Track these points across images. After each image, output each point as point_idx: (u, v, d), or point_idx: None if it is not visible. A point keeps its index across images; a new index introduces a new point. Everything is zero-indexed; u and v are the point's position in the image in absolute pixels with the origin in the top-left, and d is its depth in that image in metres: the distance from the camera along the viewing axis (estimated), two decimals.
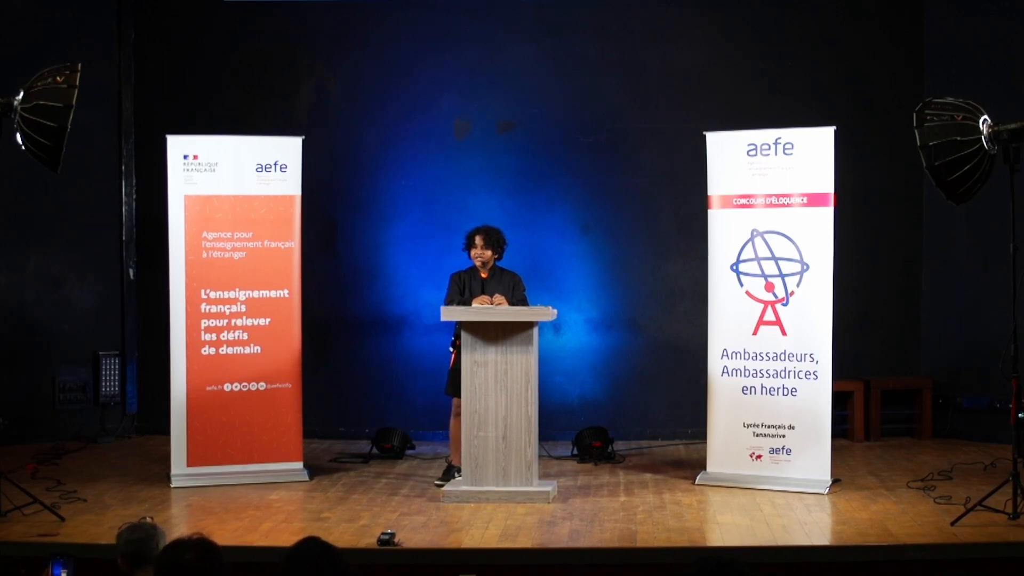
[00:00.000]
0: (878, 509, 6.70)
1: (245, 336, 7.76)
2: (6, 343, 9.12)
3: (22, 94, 6.39)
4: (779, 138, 7.44)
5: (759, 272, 7.47)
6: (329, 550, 3.50)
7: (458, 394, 7.47)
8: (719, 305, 7.62)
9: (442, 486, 7.43)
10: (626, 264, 9.55)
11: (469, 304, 7.41)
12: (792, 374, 7.36)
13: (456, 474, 7.53)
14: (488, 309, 7.22)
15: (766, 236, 7.46)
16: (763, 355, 7.43)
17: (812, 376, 7.31)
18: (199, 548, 3.58)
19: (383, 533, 5.96)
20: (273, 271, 7.82)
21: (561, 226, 9.55)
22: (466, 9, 9.59)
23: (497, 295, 7.48)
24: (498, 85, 9.59)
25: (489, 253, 7.64)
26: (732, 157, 7.56)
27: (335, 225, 9.65)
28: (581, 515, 6.68)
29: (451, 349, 7.68)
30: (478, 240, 7.64)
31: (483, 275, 7.67)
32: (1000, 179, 6.36)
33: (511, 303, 7.45)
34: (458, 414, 7.51)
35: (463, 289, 7.64)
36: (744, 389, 7.49)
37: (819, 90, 9.34)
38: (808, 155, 7.35)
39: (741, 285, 7.53)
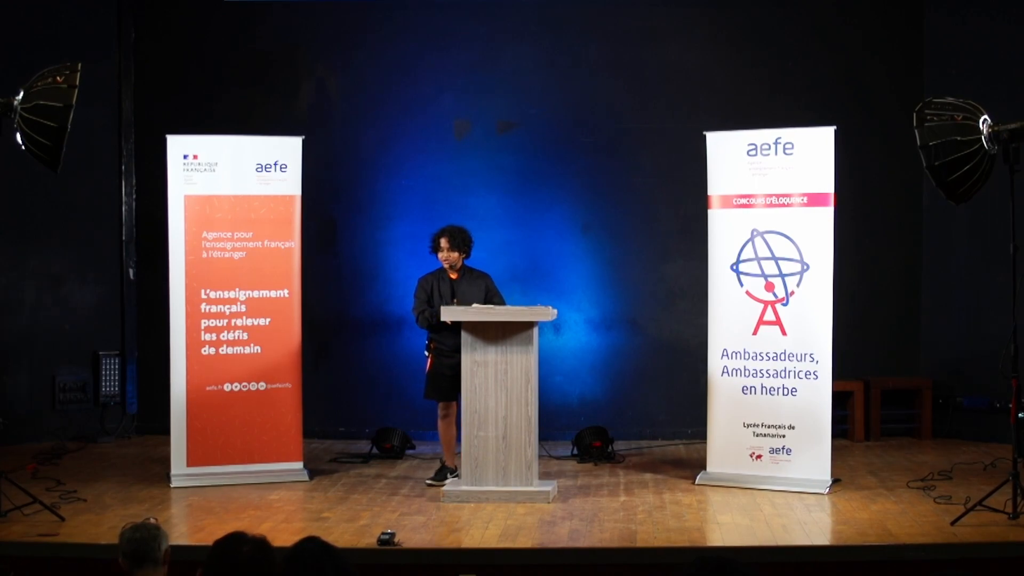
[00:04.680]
0: (878, 509, 6.70)
1: (245, 336, 7.76)
2: (6, 343, 9.12)
3: (22, 94, 6.39)
4: (779, 138, 7.44)
5: (759, 272, 7.47)
6: (329, 550, 3.50)
7: (439, 398, 7.50)
8: (719, 305, 7.61)
9: (432, 485, 7.45)
10: (626, 264, 9.55)
11: (436, 310, 7.34)
12: (792, 374, 7.36)
13: (448, 475, 7.54)
14: (488, 309, 7.20)
15: (766, 236, 7.46)
16: (763, 355, 7.43)
17: (812, 376, 7.30)
18: (256, 543, 3.62)
19: (383, 533, 5.96)
20: (273, 271, 7.82)
21: (561, 226, 9.55)
22: (466, 9, 9.59)
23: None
24: (498, 85, 9.59)
25: (456, 255, 7.54)
26: (732, 157, 7.56)
27: (335, 225, 9.65)
28: (581, 515, 6.67)
29: (426, 354, 7.65)
30: (443, 243, 7.52)
31: (453, 276, 7.59)
32: (1000, 179, 6.36)
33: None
34: (443, 416, 7.53)
35: (431, 294, 7.56)
36: (744, 389, 7.49)
37: (819, 90, 9.34)
38: (808, 155, 7.35)
39: (741, 285, 7.53)
